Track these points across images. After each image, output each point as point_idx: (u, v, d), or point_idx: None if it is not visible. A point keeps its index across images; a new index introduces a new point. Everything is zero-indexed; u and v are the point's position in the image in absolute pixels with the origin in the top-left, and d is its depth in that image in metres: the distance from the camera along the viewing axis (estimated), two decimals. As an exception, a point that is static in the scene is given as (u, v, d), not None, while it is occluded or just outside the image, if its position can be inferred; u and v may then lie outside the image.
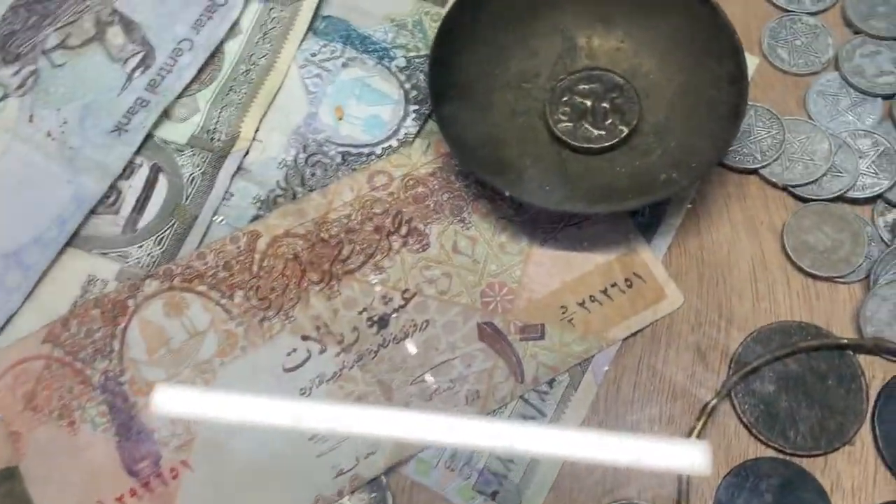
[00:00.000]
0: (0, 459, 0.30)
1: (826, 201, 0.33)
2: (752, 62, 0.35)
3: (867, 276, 0.32)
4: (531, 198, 0.31)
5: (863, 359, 0.30)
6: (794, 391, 0.30)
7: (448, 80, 0.33)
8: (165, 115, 0.35)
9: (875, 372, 0.30)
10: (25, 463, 0.30)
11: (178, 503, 0.29)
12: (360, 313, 0.32)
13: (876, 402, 0.30)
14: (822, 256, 0.32)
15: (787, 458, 0.29)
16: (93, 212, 0.34)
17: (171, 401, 0.30)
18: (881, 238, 0.32)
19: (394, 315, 0.31)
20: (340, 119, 0.34)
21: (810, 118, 0.34)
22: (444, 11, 0.37)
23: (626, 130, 0.33)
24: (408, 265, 0.32)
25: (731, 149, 0.33)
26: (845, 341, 0.30)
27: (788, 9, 0.37)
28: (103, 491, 0.29)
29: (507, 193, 0.31)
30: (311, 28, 0.37)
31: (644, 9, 0.34)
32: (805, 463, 0.29)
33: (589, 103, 0.34)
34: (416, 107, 0.35)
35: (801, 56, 0.36)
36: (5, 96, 0.36)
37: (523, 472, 0.29)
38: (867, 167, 0.33)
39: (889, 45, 0.35)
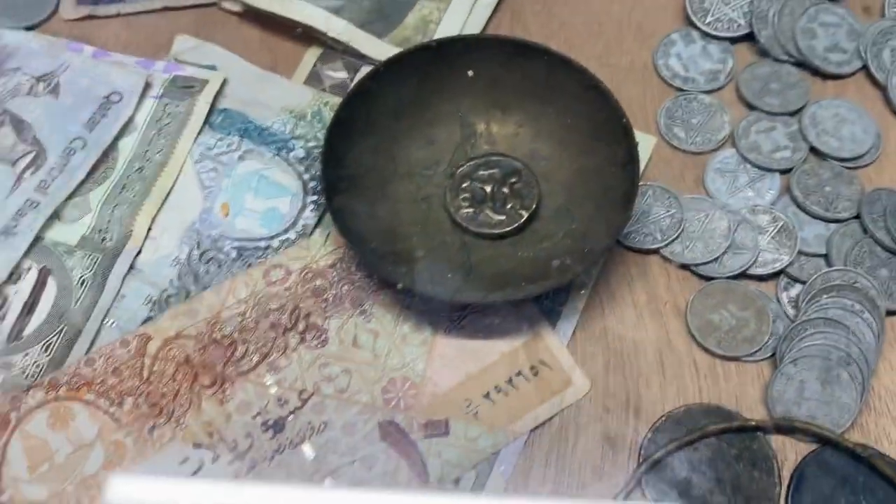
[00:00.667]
0: None
1: (729, 279, 0.32)
2: (649, 142, 0.36)
3: (773, 354, 0.31)
4: (425, 289, 0.30)
5: (775, 439, 0.30)
6: (706, 477, 0.29)
7: (341, 173, 0.32)
8: (56, 216, 0.34)
9: (787, 453, 0.30)
10: None
11: None
12: (255, 417, 0.30)
13: (789, 484, 0.29)
14: (728, 336, 0.31)
15: (703, 549, 0.28)
16: (-25, 320, 0.32)
17: (51, 522, 0.28)
18: (785, 314, 0.32)
19: (290, 417, 0.30)
20: (226, 216, 0.33)
21: (709, 195, 0.34)
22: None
23: (525, 214, 0.33)
24: (305, 363, 0.31)
25: (629, 230, 0.33)
26: (753, 423, 0.30)
27: (684, 88, 0.37)
28: None
29: (398, 286, 0.30)
30: (207, 122, 0.36)
31: (538, 95, 0.34)
32: (720, 554, 0.28)
33: (489, 189, 0.34)
34: (315, 197, 0.35)
35: (698, 134, 0.36)
36: None
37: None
38: (767, 243, 0.33)
39: (783, 120, 0.36)
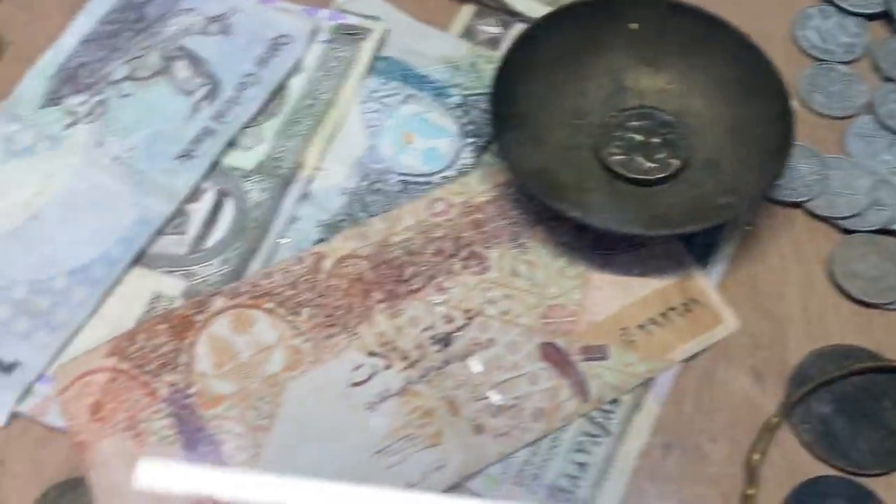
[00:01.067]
0: (66, 469, 0.30)
1: (871, 233, 0.34)
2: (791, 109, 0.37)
3: (914, 304, 0.33)
4: (594, 220, 0.32)
5: (915, 383, 0.31)
6: (851, 412, 0.31)
7: (507, 111, 0.34)
8: (232, 144, 0.37)
9: (928, 395, 0.31)
10: (92, 473, 0.30)
11: (245, 516, 0.29)
12: (424, 331, 0.32)
13: (931, 423, 0.31)
14: (870, 284, 0.33)
15: (850, 477, 0.30)
16: (160, 232, 0.35)
17: (237, 416, 0.31)
18: (925, 268, 0.34)
19: (457, 333, 0.32)
20: (410, 142, 0.36)
21: (850, 157, 0.36)
22: (497, 55, 0.38)
23: (677, 164, 0.35)
24: (469, 286, 0.33)
25: (777, 183, 0.35)
26: (898, 363, 0.31)
27: (822, 58, 0.39)
28: (169, 502, 0.29)
29: (570, 215, 0.32)
30: (371, 67, 0.39)
31: (689, 53, 0.36)
32: (868, 482, 0.29)
33: (641, 138, 0.36)
34: (473, 140, 0.37)
35: (838, 101, 0.38)
36: (74, 123, 0.37)
37: (591, 488, 0.30)
38: (907, 202, 0.35)
39: (919, 92, 0.38)
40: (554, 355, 0.32)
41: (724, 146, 0.35)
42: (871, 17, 0.40)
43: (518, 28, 0.40)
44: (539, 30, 0.36)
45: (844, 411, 0.31)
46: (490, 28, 0.40)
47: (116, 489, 0.29)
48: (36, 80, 0.39)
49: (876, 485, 0.29)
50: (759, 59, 0.35)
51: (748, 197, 0.33)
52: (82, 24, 0.40)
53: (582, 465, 0.30)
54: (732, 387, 0.31)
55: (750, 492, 0.29)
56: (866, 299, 0.33)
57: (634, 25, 0.36)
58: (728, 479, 0.30)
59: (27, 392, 0.32)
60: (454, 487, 0.30)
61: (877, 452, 0.30)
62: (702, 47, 0.36)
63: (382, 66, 0.39)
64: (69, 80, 0.38)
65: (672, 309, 0.33)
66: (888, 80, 0.38)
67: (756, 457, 0.30)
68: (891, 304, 0.33)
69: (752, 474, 0.30)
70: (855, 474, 0.30)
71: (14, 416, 0.31)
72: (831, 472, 0.30)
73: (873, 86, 0.38)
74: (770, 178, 0.33)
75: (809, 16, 0.40)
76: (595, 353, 0.32)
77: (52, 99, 0.38)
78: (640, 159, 0.35)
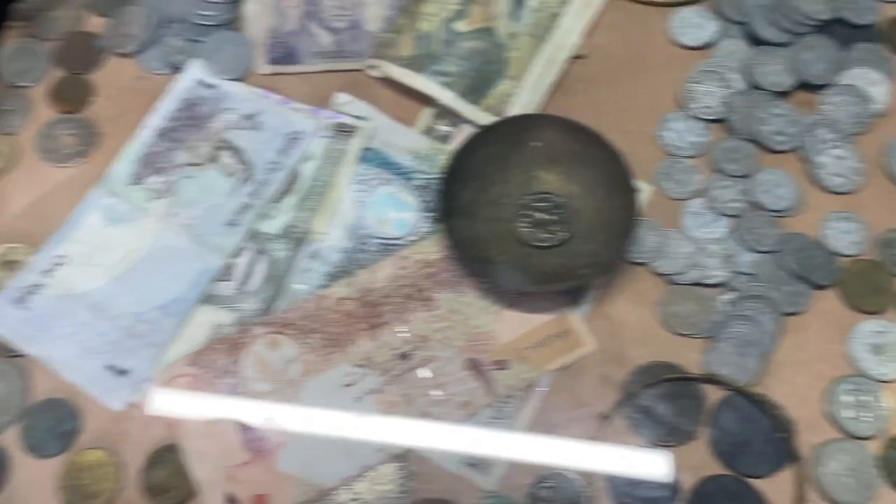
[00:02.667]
0: (164, 439, 0.48)
1: (688, 285, 0.51)
2: (649, 190, 0.54)
3: (711, 335, 0.50)
4: (502, 281, 0.49)
5: (706, 387, 0.49)
6: (662, 405, 0.49)
7: (451, 203, 0.51)
8: (263, 215, 0.53)
9: (712, 396, 0.49)
10: (182, 441, 0.48)
11: (278, 467, 0.47)
12: (392, 350, 0.50)
13: (712, 414, 0.48)
14: (683, 321, 0.50)
15: (659, 446, 0.48)
16: (215, 279, 0.52)
17: (272, 409, 0.48)
18: (721, 310, 0.51)
19: (413, 352, 0.50)
20: (383, 227, 0.53)
21: (683, 229, 0.53)
22: (448, 148, 0.55)
23: (565, 236, 0.52)
24: (422, 320, 0.50)
25: (627, 252, 0.52)
26: (695, 375, 0.49)
27: (675, 154, 0.55)
28: (231, 458, 0.47)
29: (483, 279, 0.49)
30: (359, 156, 0.55)
31: (577, 156, 0.53)
32: (668, 450, 0.48)
33: (542, 215, 0.52)
34: (429, 213, 0.54)
35: (681, 187, 0.54)
36: (155, 198, 0.54)
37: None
38: (716, 263, 0.52)
39: (738, 181, 0.54)
40: (475, 366, 0.49)
41: (594, 225, 0.52)
42: (712, 122, 0.56)
43: (464, 128, 0.56)
44: (476, 138, 0.53)
45: (660, 405, 0.49)
46: (444, 127, 0.57)
47: (198, 453, 0.47)
48: (125, 164, 0.55)
49: (674, 451, 0.47)
50: (621, 165, 0.51)
51: (606, 263, 0.50)
52: (155, 121, 0.56)
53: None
54: (589, 388, 0.49)
55: (592, 455, 0.47)
56: (681, 331, 0.50)
57: (537, 143, 0.52)
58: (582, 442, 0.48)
59: (137, 389, 0.49)
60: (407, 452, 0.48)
61: (675, 432, 0.48)
62: (583, 154, 0.52)
63: (367, 155, 0.55)
64: (148, 165, 0.55)
65: (553, 336, 0.50)
66: (718, 171, 0.55)
67: (596, 433, 0.48)
68: (696, 335, 0.50)
69: (595, 443, 0.48)
70: (661, 445, 0.48)
71: (129, 405, 0.49)
72: (646, 444, 0.48)
73: (708, 176, 0.55)
74: (620, 251, 0.50)
75: (669, 119, 0.56)
76: (501, 365, 0.49)
77: (137, 179, 0.55)
78: (541, 231, 0.52)
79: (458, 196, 0.52)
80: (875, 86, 0.56)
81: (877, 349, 0.50)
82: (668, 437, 0.48)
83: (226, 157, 0.55)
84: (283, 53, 0.58)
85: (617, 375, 0.50)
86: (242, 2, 0.60)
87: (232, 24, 0.59)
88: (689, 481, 0.47)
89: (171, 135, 0.56)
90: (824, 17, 0.57)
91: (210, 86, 0.57)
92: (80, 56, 0.59)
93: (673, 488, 0.47)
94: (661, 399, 0.49)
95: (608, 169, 0.52)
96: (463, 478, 0.47)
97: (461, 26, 0.58)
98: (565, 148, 0.53)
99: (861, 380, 0.49)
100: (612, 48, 0.59)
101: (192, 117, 0.56)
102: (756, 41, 0.58)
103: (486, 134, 0.53)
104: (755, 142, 0.55)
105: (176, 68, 0.58)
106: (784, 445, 0.48)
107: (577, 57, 0.58)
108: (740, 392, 0.49)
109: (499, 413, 0.49)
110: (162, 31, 0.59)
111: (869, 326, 0.50)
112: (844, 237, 0.53)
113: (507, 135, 0.53)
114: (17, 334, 0.50)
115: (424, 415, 0.48)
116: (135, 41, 0.58)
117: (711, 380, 0.49)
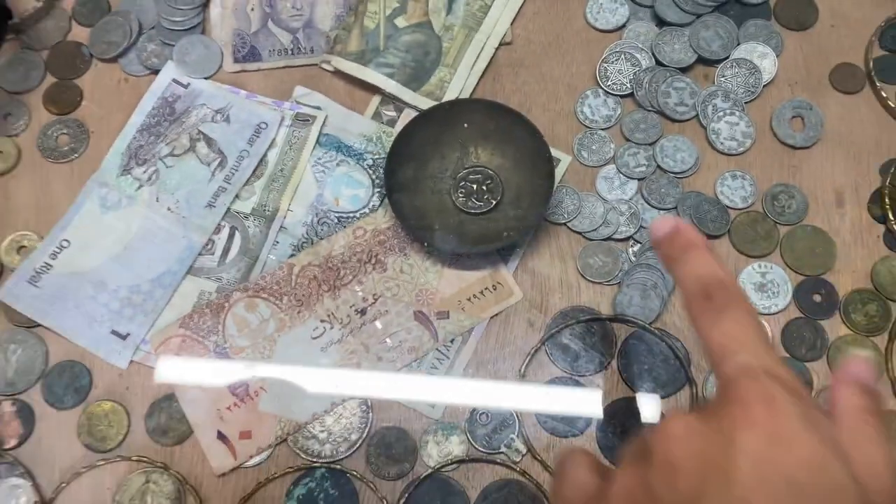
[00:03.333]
0: (162, 389, 0.57)
1: (601, 240, 0.60)
2: (567, 160, 0.63)
3: (620, 281, 0.59)
4: (441, 245, 0.58)
5: (616, 326, 0.58)
6: (579, 342, 0.58)
7: (395, 180, 0.60)
8: (237, 196, 0.62)
9: (621, 332, 0.58)
10: (177, 391, 0.57)
11: (259, 408, 0.57)
12: (351, 307, 0.59)
13: (620, 349, 0.58)
14: (597, 271, 0.60)
15: (574, 377, 0.57)
16: (199, 254, 0.61)
17: (253, 358, 0.58)
18: (630, 260, 0.60)
19: (369, 307, 0.59)
20: (338, 204, 0.61)
21: (597, 193, 0.62)
22: (393, 130, 0.63)
23: (494, 202, 0.61)
24: (376, 280, 0.60)
25: (551, 211, 0.61)
26: (605, 316, 0.58)
27: (590, 126, 0.64)
28: (219, 403, 0.57)
29: (426, 244, 0.58)
30: (317, 141, 0.64)
31: (504, 134, 0.61)
32: (584, 378, 0.57)
33: (475, 186, 0.61)
34: (379, 189, 0.62)
35: (595, 155, 0.63)
36: (141, 186, 0.63)
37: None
38: (625, 220, 0.61)
39: (644, 148, 0.63)
40: (421, 317, 0.59)
41: (520, 193, 0.60)
42: (623, 97, 0.65)
43: (408, 112, 0.64)
44: (414, 122, 0.61)
45: (575, 342, 0.58)
46: (390, 112, 0.65)
47: (190, 398, 0.57)
48: (113, 157, 0.64)
49: (585, 380, 0.57)
50: (540, 140, 0.60)
51: (530, 225, 0.59)
52: (137, 119, 0.65)
53: (432, 375, 0.57)
54: (517, 331, 0.58)
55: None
56: (595, 280, 0.59)
57: (465, 125, 0.61)
58: (511, 376, 0.57)
59: (136, 349, 0.59)
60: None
61: (591, 365, 0.57)
62: (508, 131, 0.61)
63: (324, 140, 0.64)
64: (133, 157, 0.63)
65: (486, 288, 0.59)
66: (627, 140, 0.63)
67: (523, 368, 0.57)
68: (608, 281, 0.59)
69: (523, 377, 0.57)
70: (578, 376, 0.57)
71: (131, 363, 0.58)
72: (565, 375, 0.57)
73: (619, 144, 0.63)
74: (542, 214, 0.58)
75: (586, 96, 0.65)
76: (443, 315, 0.59)
77: (125, 170, 0.63)
78: (474, 200, 0.61)
79: (401, 174, 0.60)
80: (764, 59, 0.64)
81: (760, 287, 0.59)
82: (588, 368, 0.57)
83: (202, 148, 0.64)
84: (247, 52, 0.66)
85: (541, 320, 0.59)
86: (208, 7, 0.68)
87: (200, 27, 0.67)
88: (602, 403, 0.57)
89: (152, 129, 0.64)
90: (720, -2, 0.65)
91: (184, 84, 0.65)
92: (69, 63, 0.67)
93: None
94: (578, 337, 0.58)
95: (530, 144, 0.60)
96: (414, 409, 0.57)
97: (401, 21, 0.66)
98: (492, 127, 0.61)
99: (745, 313, 0.58)
100: (536, 34, 0.67)
101: (170, 113, 0.65)
102: (661, 22, 0.66)
103: (422, 119, 0.61)
104: (660, 112, 0.64)
105: (154, 70, 0.66)
106: (680, 371, 0.57)
107: (504, 44, 0.66)
108: (644, 328, 0.58)
109: (442, 356, 0.58)
110: (139, 38, 0.67)
111: (755, 268, 0.59)
112: (736, 193, 0.61)
113: (441, 118, 0.61)
114: (33, 309, 0.59)
115: (380, 359, 0.58)
116: (116, 48, 0.66)
117: (619, 319, 0.58)
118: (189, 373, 0.57)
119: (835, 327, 0.58)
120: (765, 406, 0.29)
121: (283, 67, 0.66)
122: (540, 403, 0.57)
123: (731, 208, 0.61)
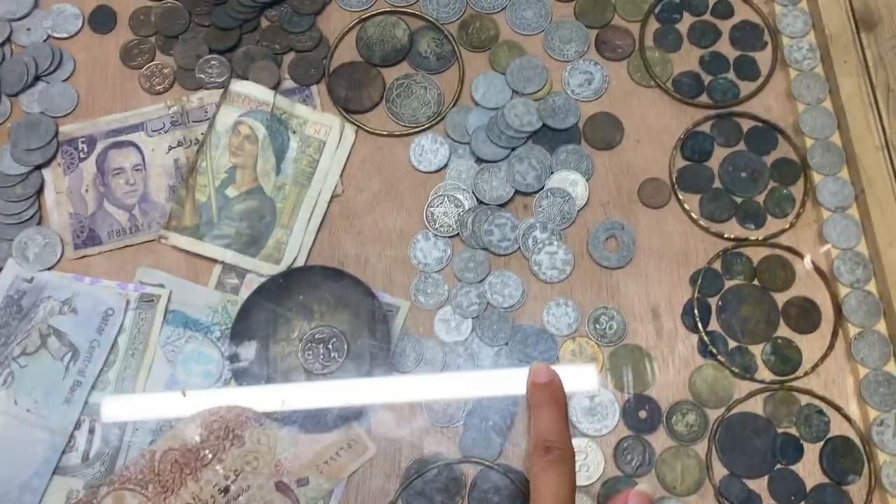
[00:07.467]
0: None
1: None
2: (406, 305, 0.67)
3: (464, 423, 0.64)
4: (296, 410, 0.62)
5: (464, 466, 0.63)
6: (431, 486, 0.62)
7: (239, 346, 0.63)
8: (92, 387, 0.64)
9: (470, 471, 0.63)
10: None
11: None
12: (214, 487, 0.62)
13: (471, 486, 0.63)
14: (443, 414, 0.64)
15: None
16: (64, 452, 0.63)
17: (125, 549, 0.61)
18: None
19: (231, 484, 0.62)
20: (184, 395, 0.64)
21: (434, 335, 0.66)
22: (237, 298, 0.66)
23: (340, 361, 0.64)
24: (235, 456, 0.63)
25: (392, 363, 0.65)
26: (454, 460, 0.63)
27: (423, 269, 0.68)
28: None
29: (273, 415, 0.62)
30: (164, 320, 0.66)
31: (340, 292, 0.65)
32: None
33: (321, 347, 0.65)
34: (228, 362, 0.65)
35: (430, 298, 0.67)
36: (-2, 391, 0.64)
37: (304, 553, 0.61)
38: (462, 363, 0.65)
39: (476, 286, 0.67)
40: (283, 487, 0.62)
41: (361, 351, 0.64)
42: (451, 237, 0.69)
43: (250, 277, 0.67)
44: (250, 301, 0.64)
45: (428, 487, 0.62)
46: (232, 280, 0.68)
47: None
48: (-34, 364, 0.65)
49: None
50: (371, 296, 0.63)
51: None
52: (-15, 321, 0.66)
53: (301, 541, 0.61)
54: (375, 484, 0.63)
55: (381, 540, 0.61)
56: (441, 424, 0.64)
57: (301, 297, 0.64)
58: (373, 534, 0.62)
59: (13, 558, 0.61)
60: (239, 565, 0.61)
61: (439, 510, 0.62)
62: (345, 291, 0.64)
63: (171, 318, 0.66)
64: (-13, 361, 0.65)
65: (342, 448, 0.63)
66: (458, 280, 0.67)
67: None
68: (452, 425, 0.64)
69: (382, 531, 0.62)
70: None
71: (10, 571, 0.61)
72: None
73: (452, 285, 0.67)
74: (386, 367, 0.62)
75: (417, 240, 0.68)
76: (303, 482, 0.62)
77: (-20, 376, 0.65)
78: (323, 361, 0.64)
79: (247, 345, 0.64)
80: (576, 186, 0.69)
81: (590, 412, 0.64)
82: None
83: (53, 343, 0.66)
84: (87, 237, 0.68)
85: (395, 471, 0.63)
86: (42, 193, 0.69)
87: (37, 216, 0.68)
88: (456, 546, 0.61)
89: (1, 331, 0.66)
90: (531, 128, 0.70)
91: (28, 280, 0.67)
92: None
93: (445, 554, 0.61)
94: (430, 482, 0.63)
95: (364, 301, 0.64)
96: (285, 577, 0.61)
97: (231, 191, 0.68)
98: (327, 293, 0.65)
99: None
100: (365, 182, 0.70)
101: (17, 311, 0.66)
102: (479, 159, 0.70)
103: (256, 295, 0.64)
104: (486, 249, 0.68)
105: (-4, 268, 0.67)
106: (521, 500, 0.62)
107: (336, 196, 0.70)
108: (488, 466, 0.63)
109: (305, 521, 0.62)
110: (-24, 236, 0.68)
111: (584, 394, 0.65)
112: (561, 320, 0.66)
113: (275, 291, 0.64)
114: None
115: (247, 534, 0.61)
116: (-46, 248, 0.67)
117: (465, 460, 0.63)
118: (66, 574, 0.60)
119: (661, 440, 0.64)
120: None
121: (124, 247, 0.68)
122: (401, 553, 0.61)
123: (559, 335, 0.66)
